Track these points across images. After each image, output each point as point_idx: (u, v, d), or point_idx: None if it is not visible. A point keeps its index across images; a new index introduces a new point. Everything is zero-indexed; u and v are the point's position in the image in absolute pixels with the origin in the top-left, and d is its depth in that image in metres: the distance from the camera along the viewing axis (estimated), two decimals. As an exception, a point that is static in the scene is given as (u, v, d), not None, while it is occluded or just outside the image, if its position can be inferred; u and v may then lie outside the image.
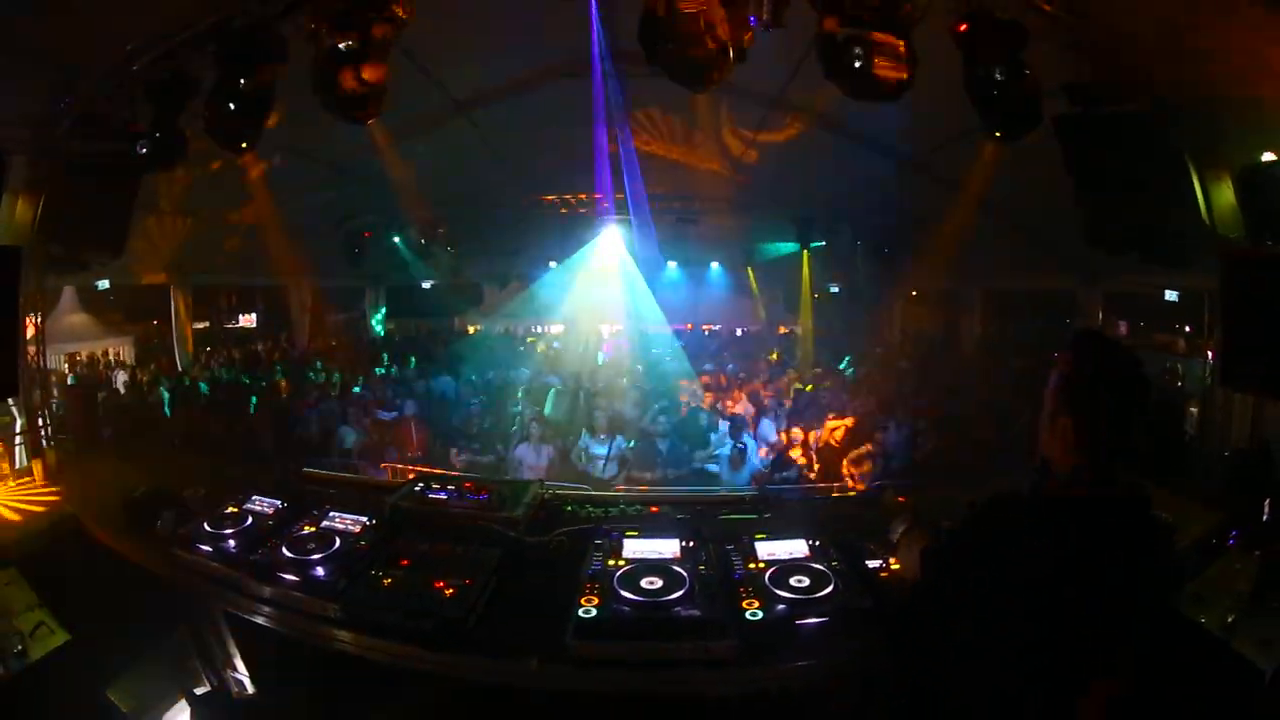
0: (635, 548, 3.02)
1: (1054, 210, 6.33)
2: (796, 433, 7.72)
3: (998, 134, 3.70)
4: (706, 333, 16.25)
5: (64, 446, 5.02)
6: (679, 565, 2.85)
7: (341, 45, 3.61)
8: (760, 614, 2.58)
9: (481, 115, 7.82)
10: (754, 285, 15.02)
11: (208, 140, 4.13)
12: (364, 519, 3.44)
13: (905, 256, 10.69)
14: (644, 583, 2.71)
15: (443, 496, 3.67)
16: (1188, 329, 9.86)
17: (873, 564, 2.96)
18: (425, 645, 2.61)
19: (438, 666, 2.57)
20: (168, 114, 4.20)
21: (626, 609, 2.58)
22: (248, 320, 14.69)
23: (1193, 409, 6.48)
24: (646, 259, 12.49)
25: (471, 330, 15.86)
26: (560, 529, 3.43)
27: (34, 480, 4.61)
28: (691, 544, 3.04)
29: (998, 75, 3.39)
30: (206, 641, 3.25)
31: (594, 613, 2.54)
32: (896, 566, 2.85)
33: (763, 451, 7.31)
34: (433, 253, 11.78)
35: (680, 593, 2.64)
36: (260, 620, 2.96)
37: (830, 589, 2.72)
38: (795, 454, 7.39)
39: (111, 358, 12.08)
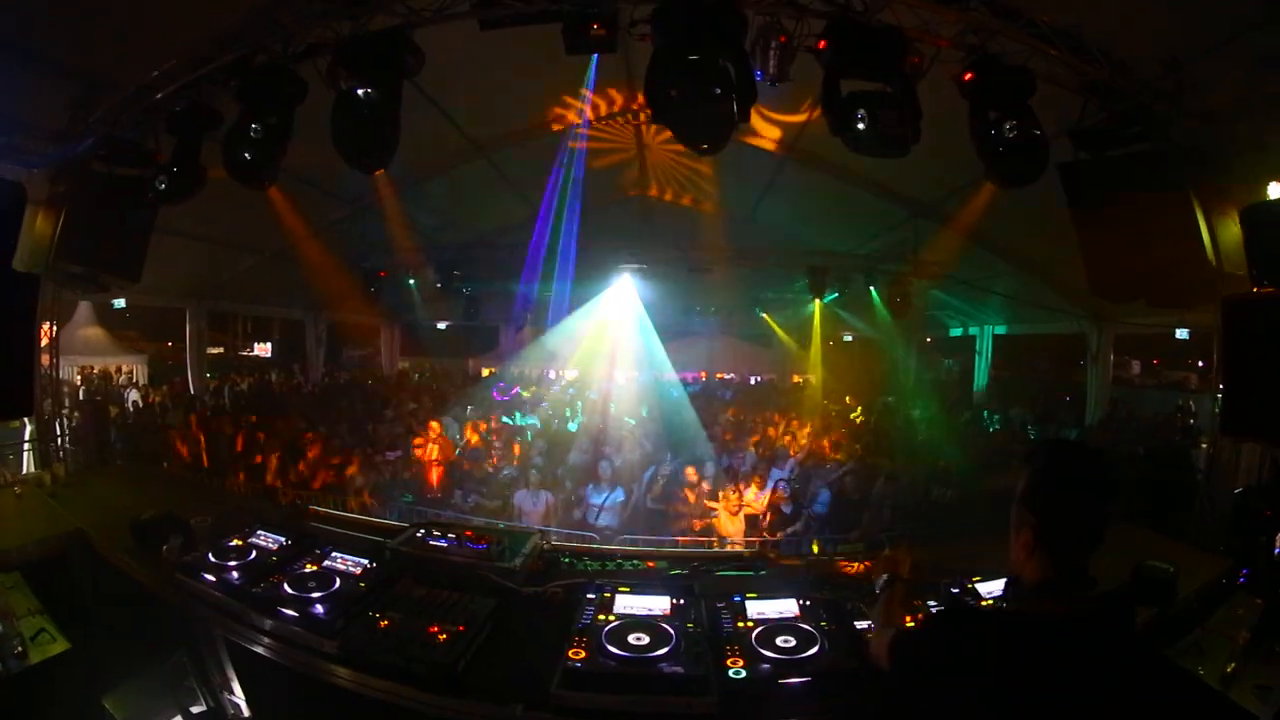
0: (627, 603, 3.08)
1: (1061, 252, 6.45)
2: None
3: (1003, 184, 3.76)
4: (720, 381, 16.41)
5: (74, 459, 5.13)
6: (667, 622, 2.91)
7: (360, 93, 3.80)
8: (744, 673, 2.63)
9: (499, 156, 8.07)
10: (774, 332, 15.13)
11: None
12: (365, 561, 3.55)
13: (919, 301, 10.78)
14: (631, 638, 2.78)
15: (443, 544, 3.78)
16: (1200, 364, 9.82)
17: (861, 625, 2.99)
18: (418, 686, 2.68)
19: (428, 708, 2.64)
20: (188, 145, 4.36)
21: (612, 662, 2.65)
22: (263, 349, 14.89)
23: (1204, 444, 6.40)
24: (659, 306, 12.69)
25: (486, 373, 16.03)
26: (556, 581, 3.51)
27: (44, 489, 4.73)
28: (682, 601, 3.10)
29: (1005, 125, 3.46)
30: (205, 663, 3.35)
31: (580, 664, 2.61)
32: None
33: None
34: (449, 294, 12.04)
35: (666, 649, 2.70)
36: (259, 650, 3.07)
37: (816, 649, 2.77)
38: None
39: (125, 375, 12.22)
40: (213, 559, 3.50)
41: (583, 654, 2.67)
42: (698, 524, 7.05)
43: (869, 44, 3.45)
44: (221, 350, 13.26)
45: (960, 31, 3.55)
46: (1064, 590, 1.72)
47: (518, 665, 2.79)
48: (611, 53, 3.88)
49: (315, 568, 3.49)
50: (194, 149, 4.36)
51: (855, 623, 3.02)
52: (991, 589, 3.20)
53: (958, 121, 3.75)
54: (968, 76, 3.66)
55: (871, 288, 10.79)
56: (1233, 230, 3.38)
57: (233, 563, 3.49)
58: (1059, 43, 3.50)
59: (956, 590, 3.25)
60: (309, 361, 13.03)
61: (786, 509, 7.23)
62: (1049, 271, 8.48)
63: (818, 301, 12.62)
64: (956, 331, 14.31)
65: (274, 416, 9.51)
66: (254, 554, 3.60)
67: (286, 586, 3.27)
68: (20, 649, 3.04)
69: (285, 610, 3.10)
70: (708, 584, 3.45)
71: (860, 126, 3.48)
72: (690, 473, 7.60)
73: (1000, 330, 12.67)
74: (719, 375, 16.90)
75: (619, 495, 7.39)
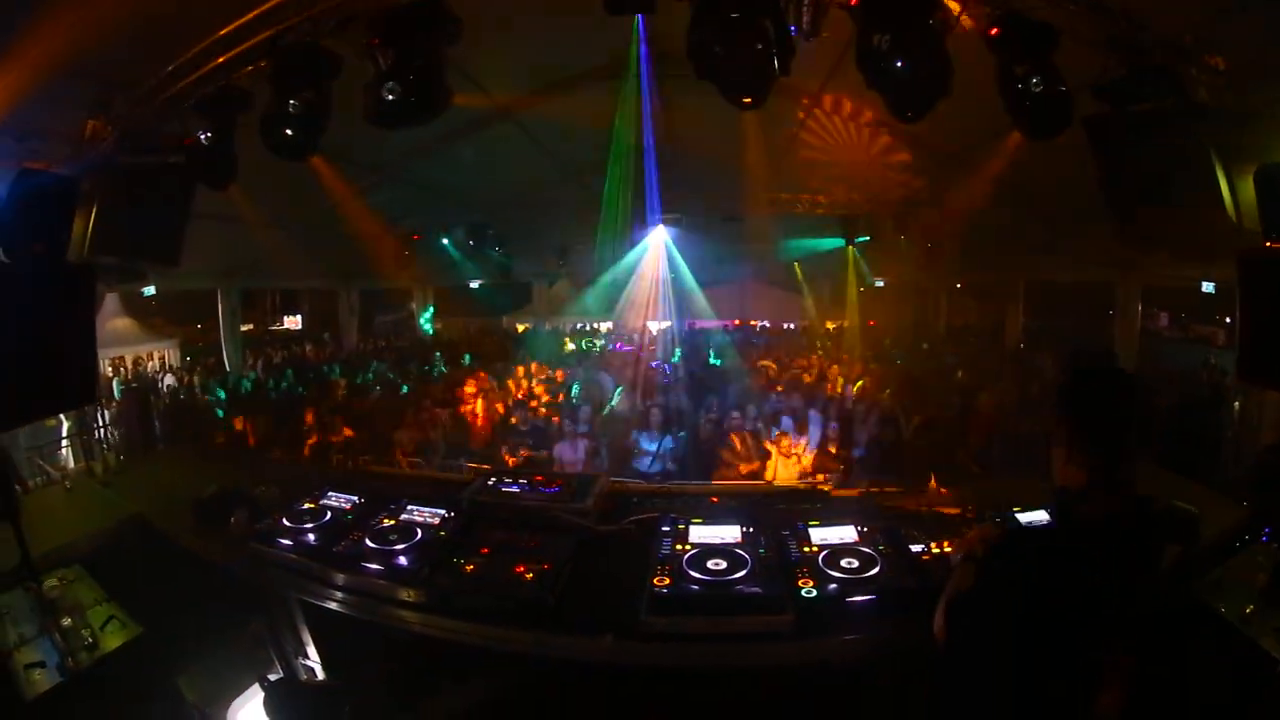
0: (700, 533, 3.26)
1: (1089, 203, 6.35)
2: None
3: (1031, 135, 3.79)
4: (756, 328, 16.47)
5: (120, 448, 5.24)
6: (740, 549, 3.09)
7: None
8: (815, 592, 2.82)
9: (527, 116, 8.00)
10: (800, 281, 15.07)
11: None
12: (442, 511, 3.68)
13: (951, 250, 10.69)
14: (710, 564, 2.97)
15: (515, 490, 3.92)
16: (1228, 320, 9.62)
17: (915, 548, 3.16)
18: (509, 625, 2.85)
19: (519, 645, 2.81)
20: (220, 127, 4.37)
21: (695, 587, 2.84)
22: (292, 322, 15.09)
23: (1236, 404, 6.41)
24: (693, 257, 12.71)
25: (520, 329, 16.18)
26: (629, 518, 3.64)
27: (94, 480, 4.75)
28: (751, 530, 3.27)
29: (1030, 77, 3.49)
30: (280, 631, 3.41)
31: (666, 590, 2.81)
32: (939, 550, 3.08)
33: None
34: (482, 253, 12.11)
35: (743, 573, 2.89)
36: (342, 608, 3.16)
37: (877, 570, 2.96)
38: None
39: (157, 361, 12.47)
40: (288, 524, 3.58)
41: (668, 581, 2.87)
42: (744, 468, 7.09)
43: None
44: (251, 327, 13.49)
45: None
46: (1101, 494, 1.89)
47: (603, 598, 2.95)
48: (652, 13, 3.86)
49: (393, 522, 3.61)
50: (227, 128, 4.38)
51: (910, 546, 3.18)
52: (1032, 518, 3.28)
53: (975, 75, 3.72)
54: (994, 31, 3.66)
55: (902, 235, 10.72)
56: (1251, 187, 3.39)
57: (308, 525, 3.57)
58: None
59: (1000, 519, 3.35)
60: (342, 330, 13.20)
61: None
62: (1075, 220, 8.30)
63: (850, 248, 12.56)
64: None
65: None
66: (329, 515, 3.68)
67: (369, 541, 3.38)
68: (91, 639, 3.06)
69: (369, 565, 3.21)
70: (771, 515, 3.61)
71: (898, 76, 3.48)
72: (735, 419, 7.70)
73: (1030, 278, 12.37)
74: (752, 322, 17.06)
75: (669, 442, 7.51)
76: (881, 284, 14.71)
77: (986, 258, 10.51)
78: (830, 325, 15.64)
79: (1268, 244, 3.20)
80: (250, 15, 4.08)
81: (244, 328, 12.40)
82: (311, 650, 3.37)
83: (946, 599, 2.17)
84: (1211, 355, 9.36)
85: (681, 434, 7.80)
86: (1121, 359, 9.41)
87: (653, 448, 7.40)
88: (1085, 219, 7.68)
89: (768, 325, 17.06)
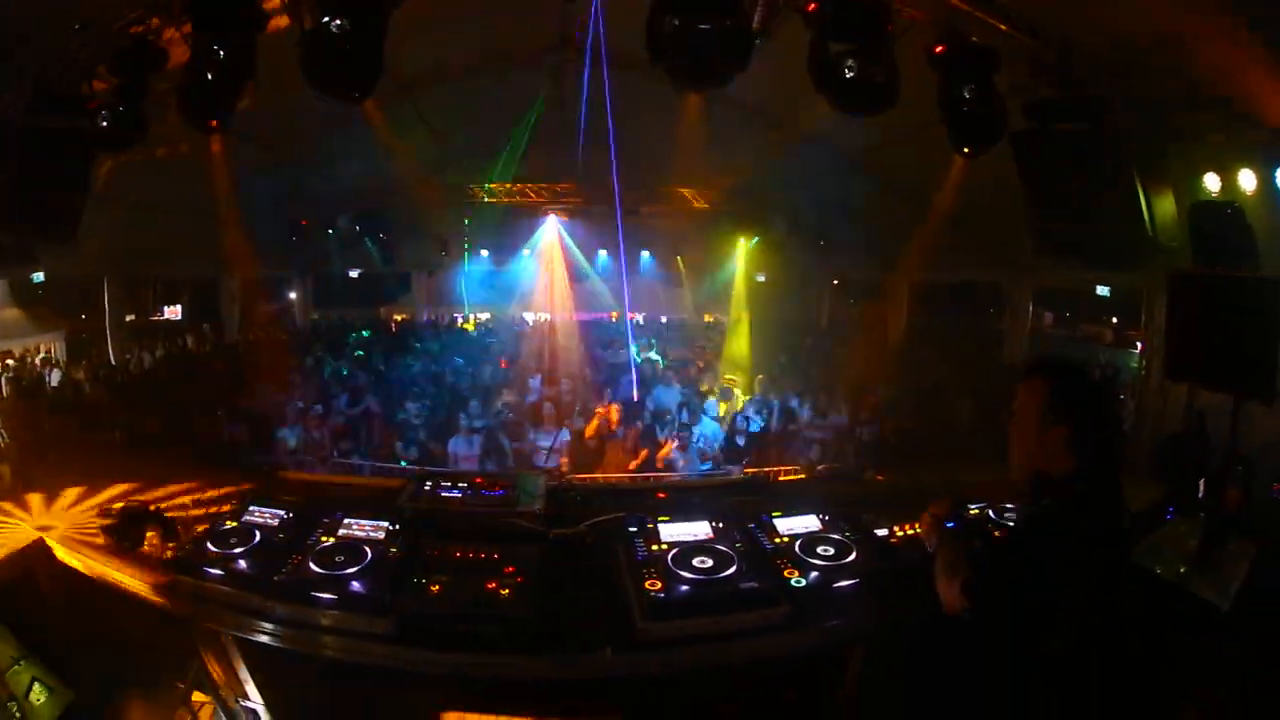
0: (671, 531, 3.11)
1: (984, 205, 6.93)
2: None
3: (965, 149, 4.04)
4: (634, 321, 16.38)
5: (8, 457, 4.42)
6: (718, 544, 2.99)
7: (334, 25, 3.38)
8: (803, 581, 2.82)
9: (422, 99, 7.56)
10: (683, 274, 15.23)
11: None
12: (384, 524, 3.25)
13: (838, 248, 11.15)
14: (696, 562, 2.85)
15: (457, 495, 3.57)
16: (1114, 320, 10.83)
17: (880, 532, 3.24)
18: (492, 650, 2.56)
19: (508, 671, 2.55)
20: (132, 87, 3.88)
21: (688, 587, 2.71)
22: (173, 312, 13.48)
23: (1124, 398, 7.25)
24: (579, 248, 12.50)
25: (397, 319, 15.24)
26: (586, 520, 3.42)
27: None
28: (720, 524, 3.17)
29: (969, 95, 3.71)
30: (216, 674, 2.99)
31: (661, 594, 2.65)
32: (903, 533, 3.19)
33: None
34: (364, 241, 11.25)
35: (732, 569, 2.80)
36: (290, 645, 2.73)
37: (854, 555, 3.00)
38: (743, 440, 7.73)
39: (44, 354, 10.90)
40: (213, 548, 3.06)
41: (658, 584, 2.70)
42: (632, 464, 7.09)
43: (855, 8, 3.52)
44: (134, 317, 11.96)
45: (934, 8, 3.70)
46: (1092, 473, 2.06)
47: (586, 609, 2.75)
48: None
49: (333, 539, 3.14)
50: (138, 89, 3.83)
51: (875, 530, 3.25)
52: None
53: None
54: (939, 49, 3.85)
55: (793, 232, 11.08)
56: (1167, 206, 3.91)
57: (237, 549, 3.06)
58: (1020, 27, 3.75)
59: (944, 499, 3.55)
60: (224, 320, 12.01)
61: (740, 440, 7.48)
62: (969, 223, 9.00)
63: (743, 241, 12.79)
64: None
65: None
66: (258, 535, 3.16)
67: (313, 565, 2.92)
68: (19, 715, 2.55)
69: (320, 594, 2.75)
70: (731, 508, 3.53)
71: (849, 77, 3.56)
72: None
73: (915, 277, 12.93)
74: (631, 315, 16.90)
75: (564, 435, 7.37)
76: (763, 279, 15.08)
77: (876, 255, 11.11)
78: (709, 319, 15.93)
79: (1196, 267, 3.61)
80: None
81: (129, 318, 11.06)
82: (254, 693, 2.89)
83: (960, 578, 2.21)
84: (1101, 353, 10.46)
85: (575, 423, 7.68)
86: (1011, 356, 10.43)
87: (548, 443, 7.21)
88: (977, 221, 8.35)
89: (646, 317, 17.03)
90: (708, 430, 7.50)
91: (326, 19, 3.30)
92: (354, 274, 13.23)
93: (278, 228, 10.18)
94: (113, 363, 9.79)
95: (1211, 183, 3.88)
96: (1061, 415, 2.07)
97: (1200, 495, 3.45)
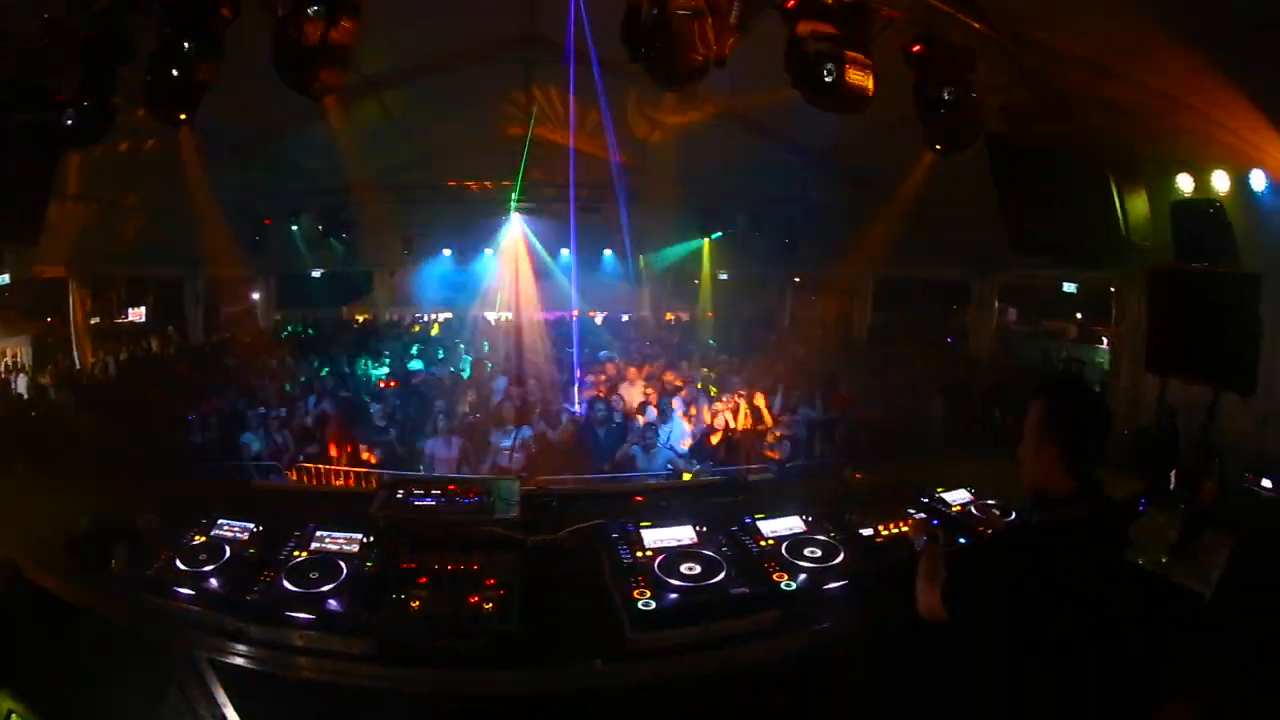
0: (655, 537, 3.05)
1: (950, 203, 6.98)
2: (721, 418, 7.96)
3: (939, 147, 4.04)
4: (595, 319, 16.18)
5: None
6: (704, 549, 2.94)
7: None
8: (793, 585, 2.77)
9: (388, 96, 7.36)
10: (643, 272, 15.14)
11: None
12: (357, 536, 3.11)
13: (801, 245, 11.16)
14: (684, 568, 2.78)
15: (431, 503, 3.42)
16: (1079, 316, 10.98)
17: (865, 532, 3.22)
18: (478, 666, 2.46)
19: (495, 687, 2.45)
20: (99, 80, 3.68)
21: (678, 595, 2.65)
22: (137, 314, 13.05)
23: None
24: (542, 246, 12.36)
25: (360, 319, 14.93)
26: (564, 526, 3.34)
27: None
28: (704, 528, 3.12)
29: (946, 95, 3.70)
30: (194, 701, 2.67)
31: (652, 603, 2.58)
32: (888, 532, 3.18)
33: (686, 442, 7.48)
34: (327, 240, 10.92)
35: (721, 575, 2.74)
36: (267, 668, 2.58)
37: (841, 557, 2.97)
38: (715, 438, 7.71)
39: (10, 360, 10.37)
40: (181, 565, 2.89)
41: (647, 592, 2.63)
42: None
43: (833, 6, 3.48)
44: (99, 320, 11.55)
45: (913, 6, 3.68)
46: (1086, 497, 2.05)
47: (572, 619, 2.67)
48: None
49: (306, 554, 2.99)
50: (105, 82, 3.64)
51: (860, 531, 3.24)
52: (956, 497, 3.53)
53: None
54: (917, 48, 3.85)
55: (756, 230, 11.05)
56: (1141, 206, 3.98)
57: (207, 565, 2.90)
58: (1000, 28, 3.77)
59: (926, 499, 3.56)
60: (189, 322, 11.72)
61: (707, 439, 7.47)
62: (936, 220, 9.07)
63: (707, 240, 12.72)
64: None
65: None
66: (227, 551, 3.01)
67: (286, 583, 2.77)
68: None
69: (295, 614, 2.61)
70: (712, 511, 3.51)
71: (827, 79, 3.52)
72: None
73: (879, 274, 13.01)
74: (591, 314, 16.72)
75: (526, 432, 7.28)
76: (725, 277, 15.06)
77: (840, 253, 11.08)
78: (670, 318, 15.84)
79: (1176, 264, 3.67)
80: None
81: (94, 321, 10.65)
82: (233, 717, 2.72)
83: (939, 585, 2.21)
84: (1065, 349, 10.64)
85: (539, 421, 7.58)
86: (978, 350, 10.55)
87: (508, 443, 7.13)
88: (943, 218, 8.42)
89: (608, 316, 16.59)
90: (675, 430, 7.45)
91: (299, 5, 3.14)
92: (317, 274, 12.93)
93: (241, 226, 9.81)
94: (79, 367, 9.49)
95: (1185, 184, 4.00)
96: (1056, 434, 2.07)
97: (1172, 487, 3.52)
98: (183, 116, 3.68)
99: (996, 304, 10.86)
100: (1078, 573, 1.96)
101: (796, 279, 14.69)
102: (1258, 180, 4.10)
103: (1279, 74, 3.42)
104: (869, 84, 3.49)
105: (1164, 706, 2.40)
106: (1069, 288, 10.39)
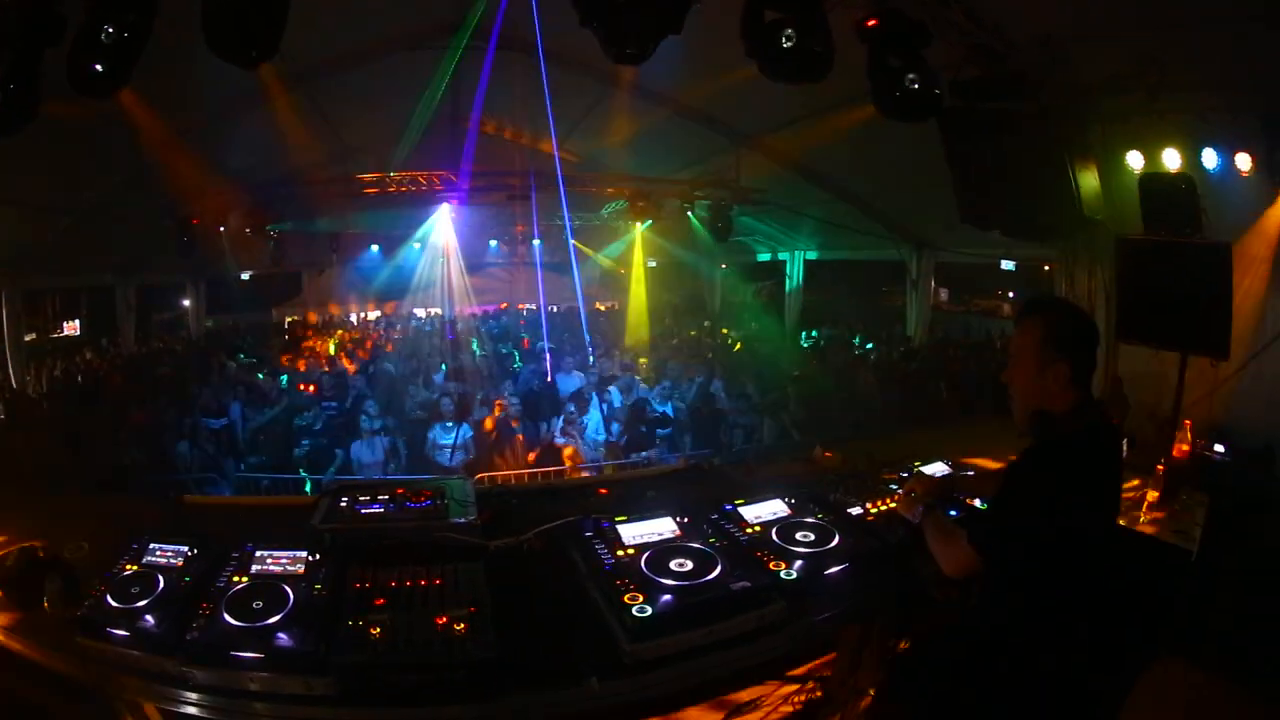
0: (634, 532, 2.74)
1: (884, 185, 6.96)
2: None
3: (897, 118, 3.93)
4: (524, 311, 15.67)
5: None
6: (691, 542, 2.67)
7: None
8: (793, 574, 2.56)
9: (313, 88, 6.83)
10: (573, 262, 14.84)
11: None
12: (302, 554, 2.67)
13: (733, 229, 10.95)
14: (674, 565, 2.50)
15: (379, 510, 3.00)
16: (1011, 295, 11.22)
17: (854, 511, 3.06)
18: (462, 699, 2.10)
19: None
20: (24, 60, 3.23)
21: (674, 597, 2.35)
22: (71, 328, 11.99)
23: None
24: (471, 239, 11.99)
25: (289, 321, 14.14)
26: (529, 527, 2.97)
27: None
28: (686, 520, 2.85)
29: (903, 70, 3.58)
30: None
31: (646, 609, 2.28)
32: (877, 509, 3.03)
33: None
34: (256, 241, 10.12)
35: (718, 570, 2.48)
36: (216, 717, 2.17)
37: (838, 539, 2.77)
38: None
39: None
40: (114, 603, 2.42)
41: (639, 597, 2.32)
42: (531, 456, 6.86)
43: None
44: (34, 336, 10.47)
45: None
46: (1091, 408, 2.05)
47: (555, 634, 2.34)
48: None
49: (247, 579, 2.54)
50: (31, 62, 3.17)
51: (848, 510, 3.07)
52: (935, 470, 3.38)
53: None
54: (871, 22, 3.72)
55: (690, 213, 10.77)
56: (1092, 181, 4.00)
57: (140, 602, 2.43)
58: (955, 5, 3.66)
59: (906, 475, 3.38)
60: (120, 332, 10.74)
61: (644, 428, 7.24)
62: (870, 202, 9.05)
63: (638, 226, 12.44)
64: (764, 257, 14.42)
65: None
66: (160, 581, 2.53)
67: (228, 617, 2.33)
68: None
69: (241, 653, 2.20)
70: (689, 500, 3.21)
71: (786, 45, 3.35)
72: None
73: (811, 256, 12.98)
74: (520, 305, 15.90)
75: (467, 431, 6.97)
76: (654, 264, 14.88)
77: (765, 237, 11.01)
78: (601, 307, 15.47)
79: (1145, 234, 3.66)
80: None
81: (27, 337, 9.63)
82: None
83: (959, 535, 2.13)
84: (998, 325, 10.87)
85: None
86: (914, 329, 10.68)
87: (449, 440, 6.82)
88: (881, 199, 8.41)
89: (535, 308, 16.18)
90: (598, 418, 7.35)
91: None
92: (245, 276, 12.09)
93: (168, 228, 8.99)
94: (14, 385, 8.67)
95: (1134, 160, 4.06)
96: (1064, 349, 2.00)
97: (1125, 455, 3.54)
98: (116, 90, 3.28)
99: (932, 284, 11.01)
100: (1107, 475, 2.02)
101: (724, 266, 14.68)
102: (1209, 158, 4.14)
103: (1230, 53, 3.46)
104: (825, 57, 3.33)
105: (1162, 662, 2.32)
106: (1007, 265, 10.66)
